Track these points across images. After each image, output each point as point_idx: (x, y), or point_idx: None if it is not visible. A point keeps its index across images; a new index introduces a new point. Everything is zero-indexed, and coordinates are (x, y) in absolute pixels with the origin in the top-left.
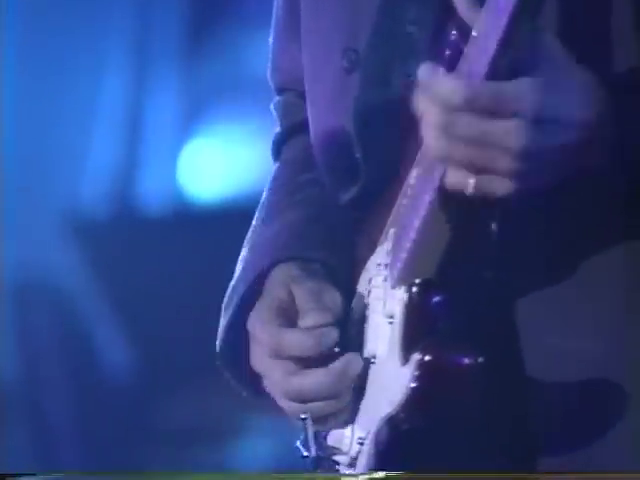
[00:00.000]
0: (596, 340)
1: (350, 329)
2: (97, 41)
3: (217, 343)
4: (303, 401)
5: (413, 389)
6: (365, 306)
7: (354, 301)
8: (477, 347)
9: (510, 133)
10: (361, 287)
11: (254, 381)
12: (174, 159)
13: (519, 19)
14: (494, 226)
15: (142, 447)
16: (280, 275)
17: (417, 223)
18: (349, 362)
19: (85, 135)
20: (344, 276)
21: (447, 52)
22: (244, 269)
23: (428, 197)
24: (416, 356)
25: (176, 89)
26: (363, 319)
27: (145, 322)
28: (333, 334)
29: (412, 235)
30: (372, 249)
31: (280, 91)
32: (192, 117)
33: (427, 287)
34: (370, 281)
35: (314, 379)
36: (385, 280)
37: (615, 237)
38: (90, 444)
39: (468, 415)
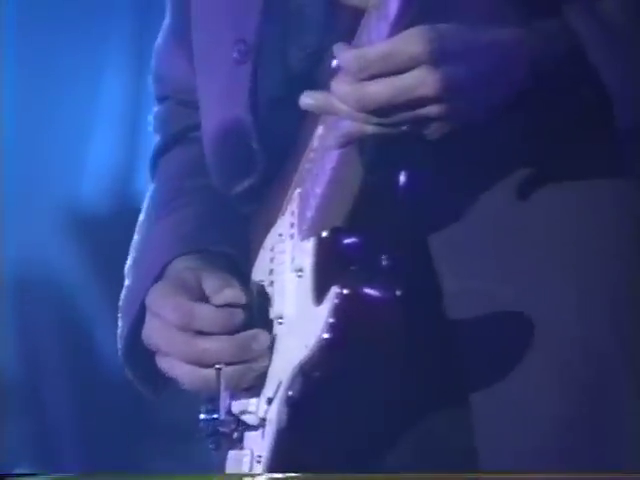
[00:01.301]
0: (506, 279)
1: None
2: (97, 39)
3: (120, 343)
4: (204, 365)
5: (330, 325)
6: (269, 272)
7: (254, 275)
8: (393, 282)
9: (422, 81)
10: (262, 259)
11: (158, 379)
12: None
13: None
14: (403, 174)
15: (143, 444)
16: (184, 263)
17: (326, 174)
18: (255, 335)
19: (86, 132)
20: (245, 265)
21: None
22: (140, 275)
23: (334, 154)
24: (334, 289)
25: None
26: (264, 289)
27: None
28: (242, 315)
29: (320, 187)
30: (269, 230)
31: (161, 99)
32: None
33: (336, 233)
34: (273, 249)
35: (217, 343)
36: (292, 238)
37: (531, 177)
38: (90, 441)
39: (385, 354)
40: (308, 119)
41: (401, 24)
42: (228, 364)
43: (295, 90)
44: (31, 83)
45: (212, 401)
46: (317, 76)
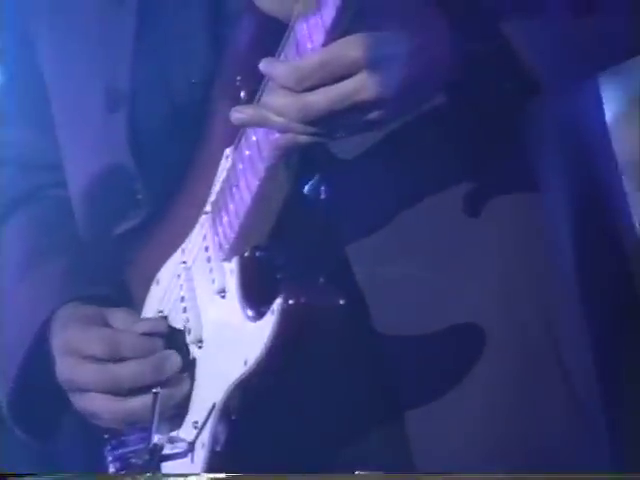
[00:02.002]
0: (436, 286)
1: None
2: None
3: (4, 402)
4: (121, 393)
5: (276, 338)
6: (180, 299)
7: (152, 307)
8: (336, 291)
9: (363, 86)
10: (167, 290)
11: (49, 429)
12: None
13: None
14: (323, 188)
15: None
16: (71, 310)
17: (251, 191)
18: (166, 357)
19: None
20: (128, 304)
21: (244, 36)
22: (15, 335)
23: (261, 169)
24: (279, 302)
25: None
26: (173, 318)
27: None
28: (162, 342)
29: (244, 205)
30: (163, 262)
31: None
32: None
33: (260, 250)
34: (180, 276)
35: (131, 367)
36: (209, 261)
37: (458, 181)
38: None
39: (326, 362)
40: (205, 145)
41: (337, 31)
42: (146, 387)
43: (182, 122)
44: None
45: (116, 436)
46: (206, 105)
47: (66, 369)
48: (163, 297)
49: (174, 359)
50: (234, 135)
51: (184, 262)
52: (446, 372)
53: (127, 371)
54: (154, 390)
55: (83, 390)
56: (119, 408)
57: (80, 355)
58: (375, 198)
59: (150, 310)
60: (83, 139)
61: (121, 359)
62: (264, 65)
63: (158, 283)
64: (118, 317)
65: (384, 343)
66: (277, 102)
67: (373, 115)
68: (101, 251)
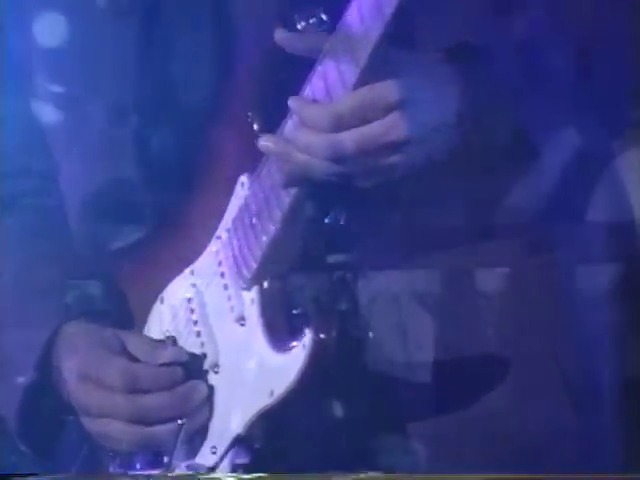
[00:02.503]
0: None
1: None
2: None
3: (13, 418)
4: (146, 422)
5: (307, 369)
6: (193, 323)
7: (156, 329)
8: (364, 323)
9: (394, 126)
10: (180, 313)
11: (54, 448)
12: None
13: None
14: (342, 216)
15: None
16: (80, 325)
17: (275, 222)
18: (193, 387)
19: None
20: (129, 321)
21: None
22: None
23: (285, 201)
24: (310, 335)
25: None
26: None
27: None
28: (181, 371)
29: (268, 234)
30: (166, 283)
31: None
32: None
33: (281, 279)
34: (190, 301)
35: (159, 399)
36: (226, 288)
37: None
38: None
39: (359, 391)
40: (215, 169)
41: (370, 71)
42: (171, 418)
43: (189, 140)
44: None
45: (123, 456)
46: (215, 127)
47: (82, 395)
48: (172, 318)
49: (201, 389)
50: (248, 162)
51: (194, 285)
52: (449, 376)
53: (154, 403)
54: (180, 422)
55: (100, 416)
56: (140, 433)
57: (98, 383)
58: (394, 226)
59: (155, 329)
60: (85, 153)
61: (141, 391)
62: (295, 104)
63: (162, 302)
64: (135, 343)
65: (404, 373)
66: (304, 139)
67: (397, 157)
68: (100, 265)
